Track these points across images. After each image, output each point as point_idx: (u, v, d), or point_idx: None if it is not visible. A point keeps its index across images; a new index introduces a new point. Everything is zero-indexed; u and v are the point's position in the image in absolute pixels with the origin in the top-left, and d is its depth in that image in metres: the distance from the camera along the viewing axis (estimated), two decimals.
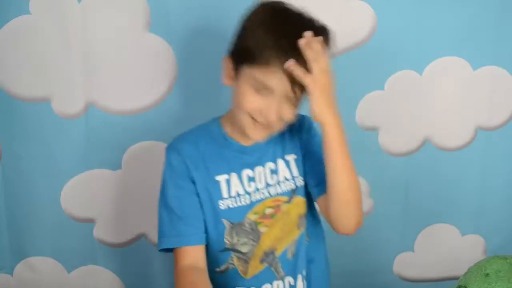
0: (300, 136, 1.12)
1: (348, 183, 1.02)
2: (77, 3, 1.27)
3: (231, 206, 1.06)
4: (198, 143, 1.08)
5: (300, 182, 1.10)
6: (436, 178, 1.51)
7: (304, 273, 1.13)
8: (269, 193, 1.08)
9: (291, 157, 1.11)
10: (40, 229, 1.41)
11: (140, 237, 1.45)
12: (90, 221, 1.43)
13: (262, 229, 1.08)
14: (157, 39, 1.31)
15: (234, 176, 1.07)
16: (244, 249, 1.08)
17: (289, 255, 1.11)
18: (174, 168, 1.07)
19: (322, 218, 1.14)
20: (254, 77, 0.97)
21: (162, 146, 1.36)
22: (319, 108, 0.96)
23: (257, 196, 1.08)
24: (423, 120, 1.46)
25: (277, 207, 1.09)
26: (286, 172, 1.10)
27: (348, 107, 1.41)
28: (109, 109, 1.34)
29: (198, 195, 1.06)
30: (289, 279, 1.11)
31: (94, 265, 1.46)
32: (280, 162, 1.10)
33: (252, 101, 0.98)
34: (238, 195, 1.07)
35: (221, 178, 1.07)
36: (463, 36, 1.41)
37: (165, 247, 1.05)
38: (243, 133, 1.04)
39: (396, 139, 1.46)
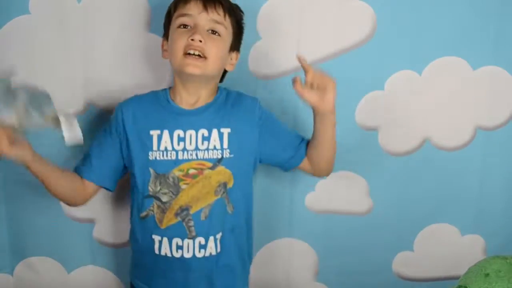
0: (251, 116, 1.26)
1: (333, 148, 1.27)
2: (77, 3, 1.27)
3: (158, 158, 1.21)
4: (143, 102, 1.25)
5: (227, 154, 1.22)
6: (435, 178, 1.51)
7: (218, 236, 1.24)
8: (196, 156, 1.21)
9: (225, 130, 1.23)
10: (40, 229, 1.41)
11: None
12: (90, 221, 1.43)
13: (183, 186, 1.21)
14: (157, 39, 1.31)
15: (166, 133, 1.21)
16: (164, 198, 1.22)
17: (203, 217, 1.23)
18: (111, 121, 1.26)
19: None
20: (176, 19, 1.19)
21: None
22: (333, 102, 1.19)
23: (185, 156, 1.21)
24: (423, 120, 1.46)
25: (200, 170, 1.22)
26: (217, 142, 1.22)
27: (348, 107, 1.41)
28: (109, 109, 1.34)
29: (127, 147, 1.24)
30: (200, 239, 1.23)
31: (94, 265, 1.46)
32: (214, 132, 1.22)
33: (179, 37, 1.18)
34: (166, 150, 1.21)
35: (154, 133, 1.21)
36: (463, 36, 1.41)
37: (75, 170, 1.27)
38: (182, 76, 1.21)
39: (396, 139, 1.46)
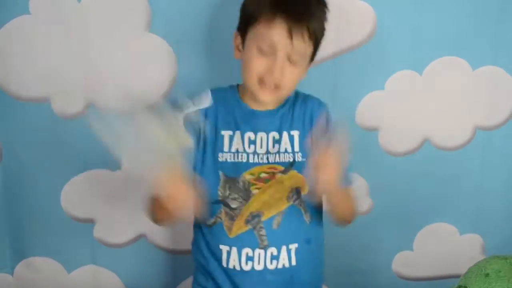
0: (312, 120, 1.18)
1: (348, 209, 1.19)
2: (77, 3, 1.27)
3: (228, 160, 1.14)
4: (217, 100, 1.17)
5: (299, 158, 1.15)
6: (435, 178, 1.51)
7: (291, 247, 1.15)
8: (267, 159, 1.15)
9: (295, 133, 1.16)
10: (40, 229, 1.41)
11: (140, 237, 1.45)
12: (90, 221, 1.43)
13: (254, 191, 1.13)
14: (157, 39, 1.31)
15: (237, 134, 1.15)
16: (233, 204, 1.13)
17: (275, 225, 1.14)
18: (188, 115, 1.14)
19: None
20: (257, 35, 1.08)
21: None
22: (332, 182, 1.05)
23: (255, 159, 1.14)
24: (423, 120, 1.46)
25: (272, 174, 1.14)
26: (288, 145, 1.15)
27: (348, 107, 1.42)
28: (109, 109, 1.34)
29: (198, 146, 1.15)
30: (272, 250, 1.14)
31: (94, 265, 1.46)
32: (285, 135, 1.16)
33: (257, 61, 1.08)
34: (237, 151, 1.14)
35: (226, 133, 1.15)
36: (463, 36, 1.41)
37: None
38: (254, 98, 1.13)
39: (396, 139, 1.46)
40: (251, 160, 1.14)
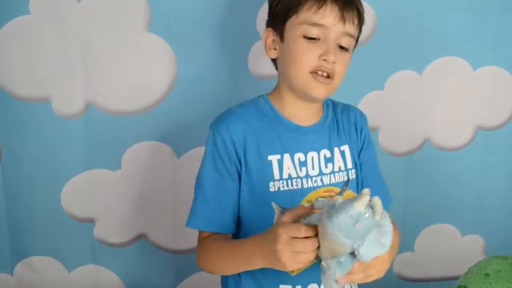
0: (357, 131, 1.11)
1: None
2: (77, 3, 1.27)
3: (282, 189, 1.01)
4: (249, 119, 1.03)
5: (353, 175, 1.07)
6: (436, 178, 1.51)
7: None
8: (322, 181, 1.03)
9: (346, 148, 1.08)
10: (40, 229, 1.41)
11: (140, 237, 1.45)
12: (90, 221, 1.43)
13: None
14: (157, 39, 1.31)
15: (287, 157, 1.02)
16: None
17: None
18: (218, 147, 1.01)
19: None
20: (303, 23, 0.98)
21: (162, 146, 1.37)
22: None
23: (310, 183, 1.02)
24: (423, 120, 1.46)
25: (329, 198, 0.97)
26: (341, 162, 1.06)
27: None
28: (109, 109, 1.34)
29: (240, 178, 1.01)
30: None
31: (94, 265, 1.46)
32: (336, 151, 1.06)
33: (308, 50, 0.98)
34: (290, 177, 1.01)
35: (273, 158, 1.01)
36: (463, 36, 1.41)
37: (193, 227, 1.03)
38: (304, 97, 1.02)
39: (396, 139, 1.46)
40: (305, 186, 1.01)
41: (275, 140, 1.03)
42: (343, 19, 0.97)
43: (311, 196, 1.02)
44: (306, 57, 0.98)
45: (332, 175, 1.04)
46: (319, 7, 0.97)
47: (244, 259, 0.94)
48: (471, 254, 1.55)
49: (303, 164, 1.02)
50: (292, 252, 0.82)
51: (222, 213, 1.02)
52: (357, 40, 1.06)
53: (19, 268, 1.44)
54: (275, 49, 1.04)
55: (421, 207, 1.53)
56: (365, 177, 1.10)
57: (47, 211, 1.40)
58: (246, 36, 1.31)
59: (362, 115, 1.14)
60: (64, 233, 1.42)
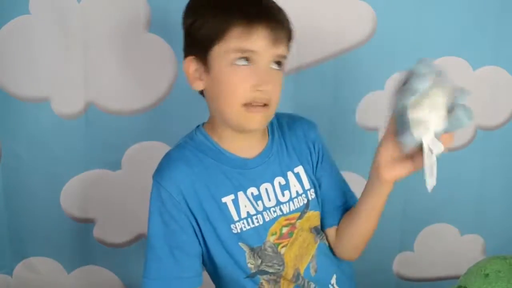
0: (309, 147, 1.05)
1: (373, 230, 1.04)
2: (77, 3, 1.27)
3: (244, 229, 0.96)
4: (191, 161, 0.97)
5: (312, 194, 1.03)
6: (436, 178, 1.51)
7: (332, 281, 1.05)
8: (281, 210, 1.00)
9: (299, 169, 1.02)
10: (40, 229, 1.41)
11: (140, 237, 1.45)
12: (90, 221, 1.43)
13: (282, 250, 1.00)
14: (157, 39, 1.31)
15: (241, 195, 0.97)
16: (271, 269, 0.99)
17: (312, 272, 1.03)
18: (163, 201, 0.94)
19: None
20: (232, 50, 0.89)
21: (162, 146, 1.37)
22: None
23: (270, 216, 0.98)
24: None
25: (292, 225, 1.00)
26: (297, 186, 1.01)
27: (348, 107, 1.42)
28: (109, 109, 1.34)
29: (197, 228, 0.96)
30: None
31: (94, 265, 1.46)
32: (290, 176, 1.01)
33: (239, 80, 0.89)
34: (250, 215, 0.97)
35: (228, 200, 0.96)
36: (463, 36, 1.41)
37: None
38: (240, 130, 0.95)
39: None
40: (266, 219, 0.98)
41: (224, 179, 0.97)
42: (274, 42, 0.90)
43: (274, 228, 0.99)
44: (237, 90, 0.90)
45: (290, 202, 1.00)
46: (248, 32, 0.88)
47: None
48: (471, 254, 1.55)
49: (258, 198, 0.98)
50: None
51: (178, 269, 0.95)
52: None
53: (18, 268, 1.44)
54: (200, 79, 0.95)
55: (421, 206, 1.53)
56: (326, 189, 1.06)
57: (47, 211, 1.40)
58: None
59: (310, 126, 1.07)
60: (63, 234, 1.42)
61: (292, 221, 1.00)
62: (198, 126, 1.04)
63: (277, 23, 0.92)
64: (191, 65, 0.96)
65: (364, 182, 1.46)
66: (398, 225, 1.54)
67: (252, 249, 0.97)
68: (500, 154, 1.51)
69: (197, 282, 0.97)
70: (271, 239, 0.98)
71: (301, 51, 1.30)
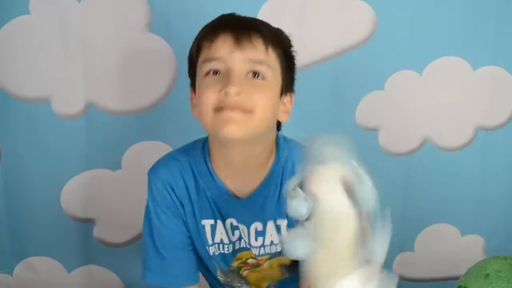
0: None
1: None
2: (77, 3, 1.27)
3: (216, 253, 1.00)
4: (187, 174, 0.97)
5: None
6: (436, 178, 1.51)
7: None
8: (251, 250, 1.00)
9: (283, 222, 0.97)
10: (40, 229, 1.41)
11: (140, 237, 1.45)
12: (90, 221, 1.43)
13: (244, 272, 1.04)
14: (157, 39, 1.31)
15: (219, 224, 0.98)
16: (237, 284, 1.06)
17: None
18: (157, 201, 0.99)
19: None
20: (203, 61, 0.90)
21: (162, 146, 1.37)
22: None
23: (241, 245, 1.00)
24: (423, 120, 1.46)
25: (258, 261, 1.03)
26: (274, 236, 0.98)
27: (348, 107, 1.42)
28: (109, 109, 1.34)
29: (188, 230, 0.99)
30: None
31: (94, 265, 1.46)
32: (270, 225, 0.97)
33: (208, 87, 0.87)
34: (222, 242, 0.99)
35: (207, 223, 0.98)
36: (463, 36, 1.41)
37: (154, 283, 1.00)
38: (218, 138, 0.91)
39: (396, 139, 1.46)
40: (236, 247, 1.00)
41: (208, 205, 0.97)
42: (238, 45, 0.87)
43: (240, 255, 1.01)
44: (205, 94, 0.87)
45: (261, 248, 1.00)
46: (212, 41, 0.89)
47: None
48: (471, 254, 1.55)
49: (235, 228, 0.98)
50: None
51: (180, 268, 1.00)
52: (288, 69, 0.95)
53: (19, 268, 1.44)
54: (195, 106, 0.95)
55: (421, 207, 1.53)
56: None
57: (47, 211, 1.40)
58: None
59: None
60: (64, 233, 1.42)
61: (261, 262, 1.02)
62: (200, 141, 1.02)
63: (243, 26, 0.90)
64: (192, 98, 0.97)
65: None
66: (398, 225, 1.53)
67: (222, 270, 1.03)
68: (500, 154, 1.51)
69: (196, 278, 1.03)
70: (235, 263, 1.02)
71: (301, 51, 1.30)
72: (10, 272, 1.45)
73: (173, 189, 0.97)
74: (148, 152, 1.38)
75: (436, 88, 1.44)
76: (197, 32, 1.30)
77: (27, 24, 1.26)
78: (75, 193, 1.39)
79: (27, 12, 1.26)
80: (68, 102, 1.33)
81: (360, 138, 1.43)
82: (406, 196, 1.51)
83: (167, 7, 1.29)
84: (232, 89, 0.84)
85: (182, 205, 0.98)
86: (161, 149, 1.37)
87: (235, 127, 0.84)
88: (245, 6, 1.30)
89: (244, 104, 0.85)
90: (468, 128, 1.49)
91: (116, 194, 1.41)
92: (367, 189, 0.70)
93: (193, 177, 0.97)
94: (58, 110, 1.33)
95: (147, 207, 1.01)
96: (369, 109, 1.42)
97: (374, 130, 1.45)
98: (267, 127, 0.90)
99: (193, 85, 0.96)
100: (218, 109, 0.86)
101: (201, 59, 0.91)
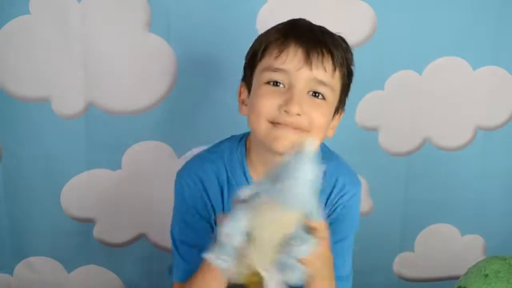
0: (332, 202, 0.98)
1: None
2: (77, 3, 1.27)
3: None
4: (219, 176, 0.95)
5: None
6: (436, 178, 1.51)
7: None
8: None
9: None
10: (40, 229, 1.41)
11: (140, 237, 1.45)
12: (90, 221, 1.43)
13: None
14: (157, 39, 1.31)
15: None
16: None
17: None
18: (185, 199, 0.96)
19: None
20: (266, 68, 0.88)
21: (162, 146, 1.37)
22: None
23: None
24: (423, 120, 1.46)
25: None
26: None
27: (348, 107, 1.40)
28: (109, 109, 1.34)
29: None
30: None
31: (94, 265, 1.46)
32: None
33: (267, 98, 0.86)
34: None
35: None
36: (463, 36, 1.41)
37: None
38: (269, 150, 0.88)
39: (396, 139, 1.46)
40: None
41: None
42: (308, 63, 0.86)
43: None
44: (263, 104, 0.86)
45: None
46: (281, 51, 0.87)
47: None
48: (471, 254, 1.55)
49: None
50: None
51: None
52: (346, 88, 0.96)
53: (19, 268, 1.44)
54: (245, 104, 0.94)
55: (421, 207, 1.53)
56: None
57: (47, 211, 1.40)
58: (246, 36, 1.31)
59: (351, 187, 0.99)
60: (64, 233, 1.42)
61: None
62: (243, 137, 1.00)
63: (316, 44, 0.88)
64: (242, 93, 0.96)
65: (364, 182, 1.48)
66: (398, 225, 1.54)
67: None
68: (500, 154, 1.51)
69: None
70: None
71: None
72: (11, 272, 1.45)
73: (203, 183, 0.95)
74: (148, 152, 1.38)
75: (436, 88, 1.44)
76: (198, 32, 1.32)
77: (27, 24, 1.26)
78: (75, 193, 1.39)
79: (27, 12, 1.26)
80: (68, 102, 1.33)
81: (360, 138, 1.44)
82: (406, 196, 1.51)
83: (167, 7, 1.29)
84: (294, 109, 0.84)
85: (212, 205, 0.95)
86: (161, 149, 1.38)
87: (289, 143, 0.84)
88: (245, 6, 1.31)
89: (301, 124, 0.86)
90: (468, 128, 1.49)
91: (116, 194, 1.41)
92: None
93: (228, 179, 0.96)
94: (58, 110, 1.32)
95: (175, 207, 0.99)
96: (369, 109, 1.42)
97: (374, 130, 1.45)
98: (318, 144, 0.91)
99: (246, 80, 0.95)
100: (275, 123, 0.86)
101: (265, 63, 0.89)
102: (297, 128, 0.86)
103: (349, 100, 1.39)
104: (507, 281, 1.01)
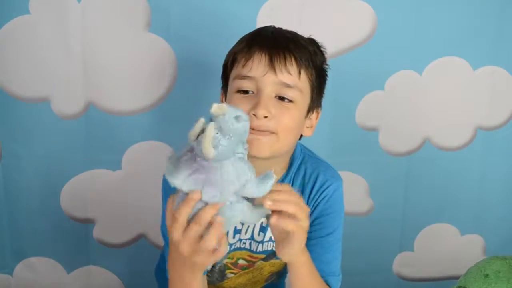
0: (314, 199, 0.99)
1: None
2: (77, 3, 1.27)
3: None
4: None
5: None
6: (436, 178, 1.51)
7: None
8: (250, 246, 1.01)
9: None
10: (40, 229, 1.41)
11: (140, 237, 1.45)
12: (90, 221, 1.43)
13: (229, 274, 1.05)
14: (157, 39, 1.31)
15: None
16: (209, 279, 1.04)
17: None
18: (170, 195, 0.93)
19: None
20: (236, 77, 0.92)
21: (162, 146, 1.37)
22: (295, 251, 0.83)
23: (237, 244, 1.01)
24: (423, 120, 1.46)
25: (251, 263, 1.03)
26: None
27: (348, 107, 1.42)
28: (109, 109, 1.34)
29: None
30: None
31: (94, 265, 1.46)
32: None
33: (238, 102, 0.90)
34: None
35: None
36: (463, 36, 1.41)
37: None
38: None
39: (396, 139, 1.46)
40: (235, 246, 1.01)
41: None
42: (272, 68, 0.89)
43: (234, 254, 1.02)
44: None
45: (261, 244, 1.01)
46: (247, 59, 0.91)
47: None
48: (471, 254, 1.55)
49: (237, 232, 1.00)
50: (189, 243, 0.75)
51: None
52: (319, 88, 0.97)
53: (19, 268, 1.44)
54: None
55: (421, 206, 1.53)
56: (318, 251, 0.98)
57: (47, 211, 1.40)
58: None
59: (331, 182, 1.00)
60: (63, 234, 1.42)
61: (254, 260, 1.03)
62: None
63: (279, 49, 0.91)
64: (222, 101, 1.00)
65: (364, 182, 1.48)
66: (398, 225, 1.54)
67: None
68: (500, 154, 1.51)
69: None
70: (224, 261, 1.02)
71: None
72: (11, 272, 1.45)
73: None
74: (148, 152, 1.38)
75: (436, 88, 1.44)
76: (198, 32, 1.32)
77: (27, 24, 1.26)
78: (75, 193, 1.39)
79: (27, 12, 1.26)
80: (68, 102, 1.33)
81: (360, 138, 1.44)
82: (406, 196, 1.51)
83: (167, 7, 1.29)
84: (261, 112, 0.87)
85: None
86: (161, 149, 1.38)
87: (262, 147, 0.89)
88: (245, 6, 1.31)
89: (269, 127, 0.89)
90: (468, 128, 1.49)
91: (116, 194, 1.41)
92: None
93: None
94: (58, 110, 1.32)
95: (162, 209, 1.00)
96: (369, 109, 1.42)
97: (374, 130, 1.45)
98: (292, 145, 0.96)
99: (224, 88, 1.01)
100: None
101: (234, 72, 0.94)
102: (266, 131, 0.89)
103: (349, 100, 1.41)
104: (507, 281, 1.01)
